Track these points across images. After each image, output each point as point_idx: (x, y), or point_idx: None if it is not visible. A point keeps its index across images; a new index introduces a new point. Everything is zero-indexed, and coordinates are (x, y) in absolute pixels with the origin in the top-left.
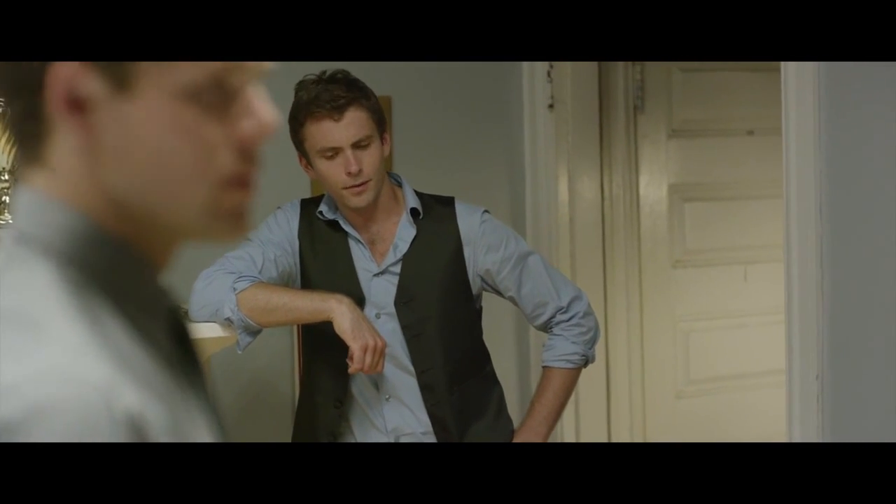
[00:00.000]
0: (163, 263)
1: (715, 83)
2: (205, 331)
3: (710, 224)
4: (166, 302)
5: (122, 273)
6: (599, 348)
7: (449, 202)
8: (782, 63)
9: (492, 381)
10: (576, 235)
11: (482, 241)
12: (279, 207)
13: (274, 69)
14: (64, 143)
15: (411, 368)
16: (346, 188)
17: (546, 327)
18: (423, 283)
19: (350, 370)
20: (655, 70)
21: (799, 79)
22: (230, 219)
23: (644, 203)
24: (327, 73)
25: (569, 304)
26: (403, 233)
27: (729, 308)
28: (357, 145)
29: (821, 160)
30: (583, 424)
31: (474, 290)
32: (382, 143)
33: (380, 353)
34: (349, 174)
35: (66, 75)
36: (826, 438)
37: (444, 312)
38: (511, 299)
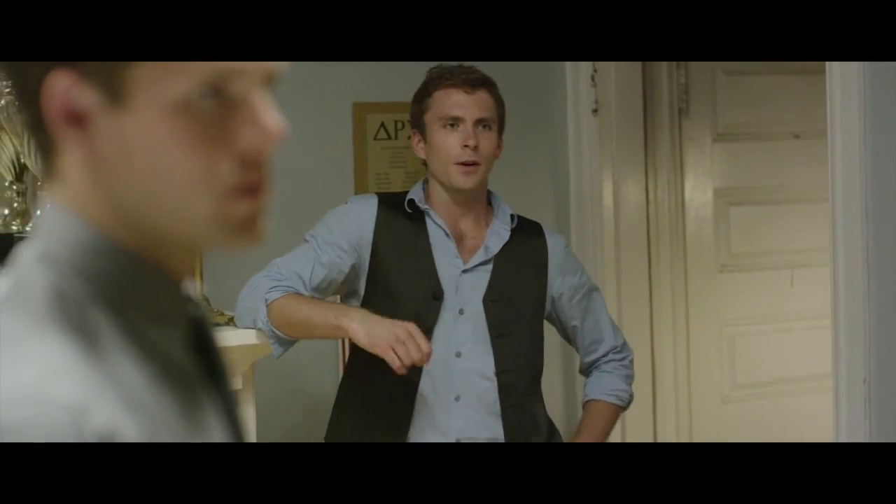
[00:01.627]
0: (181, 273)
1: (759, 86)
2: (247, 337)
3: (756, 228)
4: (186, 312)
5: (133, 285)
6: (645, 353)
7: (535, 223)
8: (827, 65)
9: (542, 401)
10: (621, 240)
11: (564, 264)
12: (349, 200)
13: (283, 74)
14: (70, 155)
15: (489, 371)
16: (458, 163)
17: (594, 364)
18: (514, 285)
19: (399, 373)
20: (699, 73)
21: (844, 81)
22: (242, 228)
23: (689, 207)
24: (457, 64)
25: (622, 346)
26: (496, 236)
27: (775, 312)
28: (480, 123)
29: (866, 163)
30: (629, 430)
31: (546, 310)
32: (499, 140)
33: (411, 337)
34: (465, 147)
35: (62, 87)
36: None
37: (530, 318)
38: (573, 329)
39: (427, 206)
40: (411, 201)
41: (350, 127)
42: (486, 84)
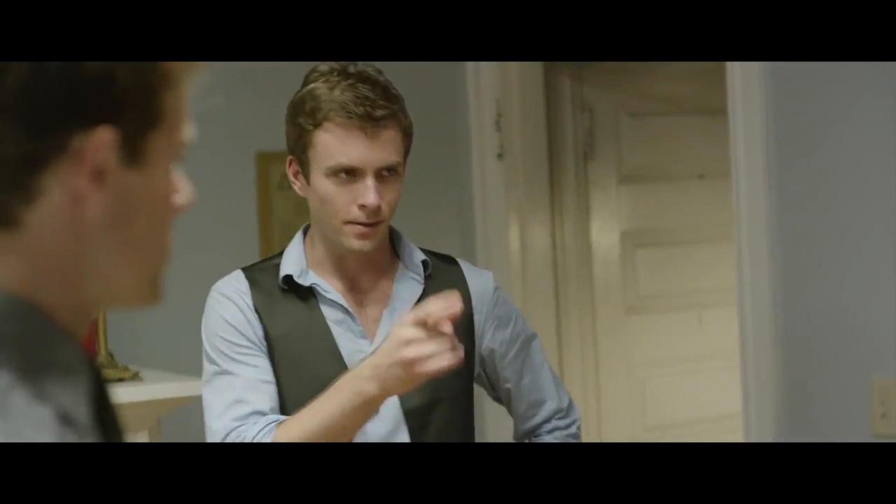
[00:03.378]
0: (82, 333)
1: (663, 128)
2: (153, 393)
3: (663, 269)
4: (86, 370)
5: (36, 344)
6: None
7: (451, 260)
8: (729, 105)
9: None
10: (528, 284)
11: (494, 313)
12: (218, 294)
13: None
14: (55, 209)
15: None
16: (351, 223)
17: (533, 432)
18: None
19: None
20: (603, 116)
21: (747, 121)
22: (153, 286)
23: (596, 250)
24: (354, 67)
25: (568, 408)
26: (405, 292)
27: (684, 353)
28: (381, 174)
29: (771, 202)
30: None
31: (475, 371)
32: (404, 170)
33: (420, 347)
34: (363, 207)
35: (105, 141)
36: None
37: (457, 393)
38: (506, 392)
39: (315, 281)
40: (288, 278)
41: (253, 176)
42: (393, 116)
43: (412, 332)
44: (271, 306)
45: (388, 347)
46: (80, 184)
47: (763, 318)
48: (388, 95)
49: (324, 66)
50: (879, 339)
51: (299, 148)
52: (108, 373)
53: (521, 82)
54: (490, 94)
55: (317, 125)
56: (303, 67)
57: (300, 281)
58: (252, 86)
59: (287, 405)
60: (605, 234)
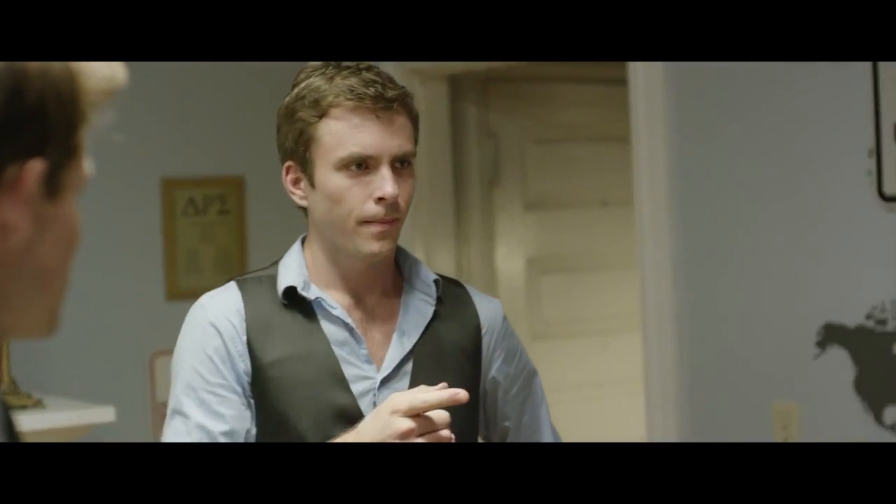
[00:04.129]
0: None
1: (568, 155)
2: (57, 420)
3: (569, 295)
4: None
5: None
6: None
7: (456, 282)
8: (633, 133)
9: None
10: None
11: (502, 344)
12: (205, 320)
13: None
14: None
15: None
16: (367, 221)
17: None
18: (443, 384)
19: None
20: (509, 143)
21: (650, 150)
22: (54, 316)
23: (501, 276)
24: (353, 64)
25: None
26: (414, 314)
27: (590, 379)
28: (397, 164)
29: (674, 230)
30: None
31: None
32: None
33: (409, 430)
34: (381, 200)
35: (33, 174)
36: None
37: (466, 429)
38: (502, 432)
39: (320, 295)
40: (290, 291)
41: (158, 202)
42: (405, 101)
43: (407, 424)
44: (268, 326)
45: (376, 429)
46: (10, 214)
47: (666, 344)
48: (394, 81)
49: (315, 63)
50: (780, 365)
51: (300, 147)
52: (11, 400)
53: (426, 109)
54: None
55: (322, 115)
56: (211, 94)
57: (304, 293)
58: (157, 113)
59: (288, 430)
60: (510, 261)
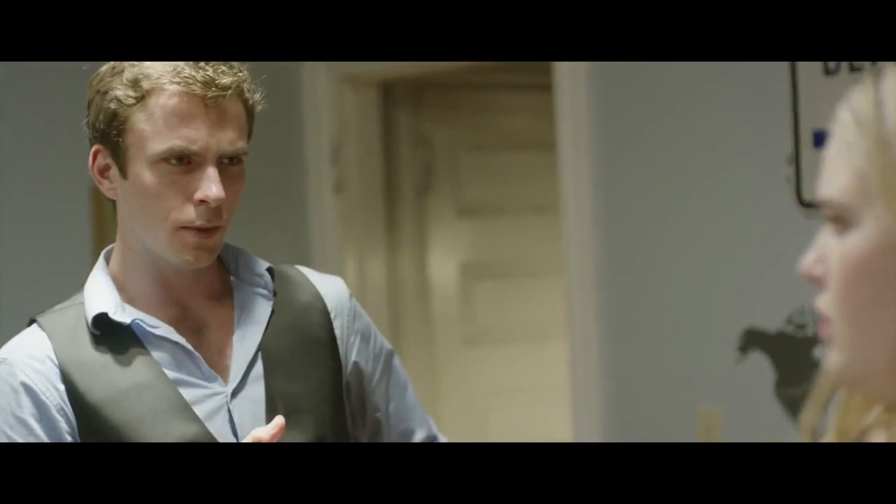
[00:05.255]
0: None
1: (501, 162)
2: None
3: (501, 301)
4: None
5: None
6: None
7: (292, 267)
8: (558, 141)
9: None
10: None
11: (354, 324)
12: (9, 384)
13: None
14: None
15: None
16: (186, 227)
17: None
18: (304, 382)
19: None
20: (442, 150)
21: (575, 155)
22: None
23: (434, 283)
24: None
25: (437, 436)
26: (251, 312)
27: (523, 384)
28: (224, 161)
29: (598, 236)
30: None
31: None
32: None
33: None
34: (202, 203)
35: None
36: None
37: (338, 426)
38: (373, 425)
39: (137, 317)
40: (100, 318)
41: (88, 210)
42: (239, 90)
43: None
44: (85, 365)
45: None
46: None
47: (590, 349)
48: (234, 66)
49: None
50: (703, 370)
51: (112, 131)
52: None
53: (358, 116)
54: (326, 128)
55: (140, 97)
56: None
57: (117, 318)
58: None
59: None
60: (442, 267)
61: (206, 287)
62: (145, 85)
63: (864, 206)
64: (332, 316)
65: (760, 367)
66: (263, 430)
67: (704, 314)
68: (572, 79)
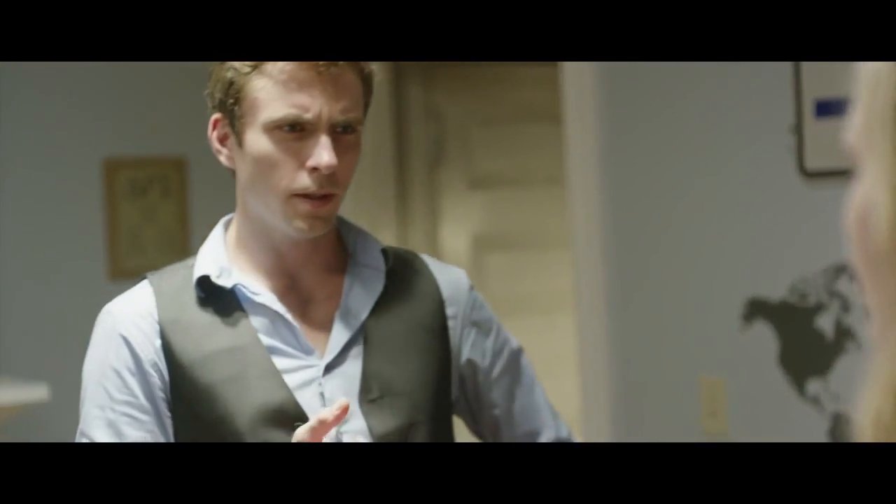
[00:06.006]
0: None
1: (513, 134)
2: None
3: (514, 274)
4: None
5: None
6: None
7: (410, 252)
8: (564, 115)
9: None
10: None
11: (471, 318)
12: (113, 330)
13: None
14: None
15: None
16: (299, 195)
17: None
18: (404, 365)
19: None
20: (454, 122)
21: (582, 129)
22: None
23: (446, 255)
24: None
25: (569, 439)
26: (361, 290)
27: (536, 356)
28: (338, 130)
29: (604, 208)
30: None
31: (453, 395)
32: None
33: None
34: (314, 171)
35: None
36: None
37: (433, 419)
38: (492, 422)
39: (240, 281)
40: (204, 280)
41: (100, 184)
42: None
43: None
44: (185, 324)
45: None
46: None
47: (597, 322)
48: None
49: None
50: (705, 341)
51: (230, 100)
52: None
53: None
54: None
55: (256, 66)
56: (152, 74)
57: (219, 282)
58: (97, 90)
59: (223, 433)
60: (454, 240)
61: (321, 259)
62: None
63: (868, 152)
64: (446, 305)
65: (764, 336)
66: (328, 411)
67: (708, 285)
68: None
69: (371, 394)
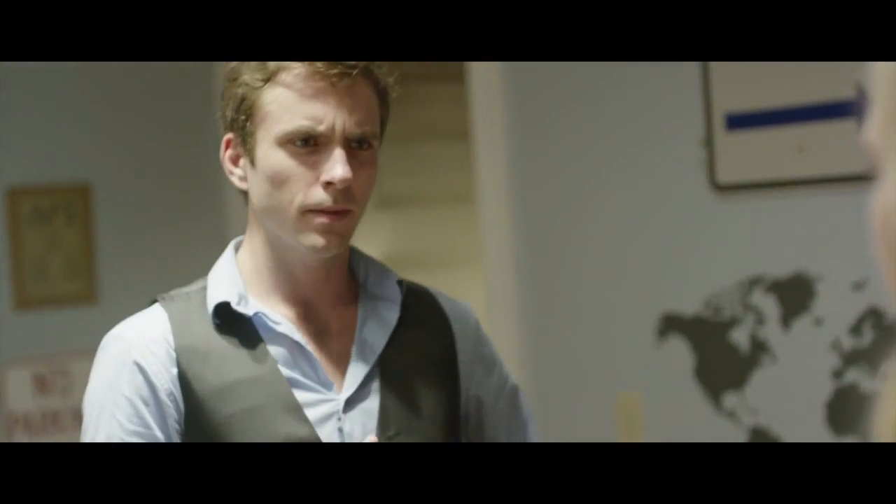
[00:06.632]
0: None
1: (422, 153)
2: None
3: None
4: None
5: None
6: None
7: (420, 285)
8: (473, 131)
9: None
10: None
11: (478, 352)
12: (128, 357)
13: None
14: None
15: None
16: (312, 211)
17: None
18: (419, 401)
19: None
20: None
21: (491, 144)
22: None
23: None
24: None
25: None
26: (376, 323)
27: None
28: (352, 144)
29: (515, 226)
30: None
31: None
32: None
33: None
34: (329, 185)
35: None
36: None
37: None
38: None
39: (260, 310)
40: (222, 307)
41: (2, 212)
42: (368, 71)
43: None
44: (202, 352)
45: None
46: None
47: (511, 340)
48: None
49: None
50: (621, 357)
51: (241, 116)
52: None
53: None
54: None
55: (268, 79)
56: (56, 97)
57: (240, 310)
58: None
59: None
60: None
61: (333, 289)
62: (272, 66)
63: (887, 152)
64: (455, 340)
65: (679, 351)
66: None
67: (623, 301)
68: (485, 68)
69: (389, 430)
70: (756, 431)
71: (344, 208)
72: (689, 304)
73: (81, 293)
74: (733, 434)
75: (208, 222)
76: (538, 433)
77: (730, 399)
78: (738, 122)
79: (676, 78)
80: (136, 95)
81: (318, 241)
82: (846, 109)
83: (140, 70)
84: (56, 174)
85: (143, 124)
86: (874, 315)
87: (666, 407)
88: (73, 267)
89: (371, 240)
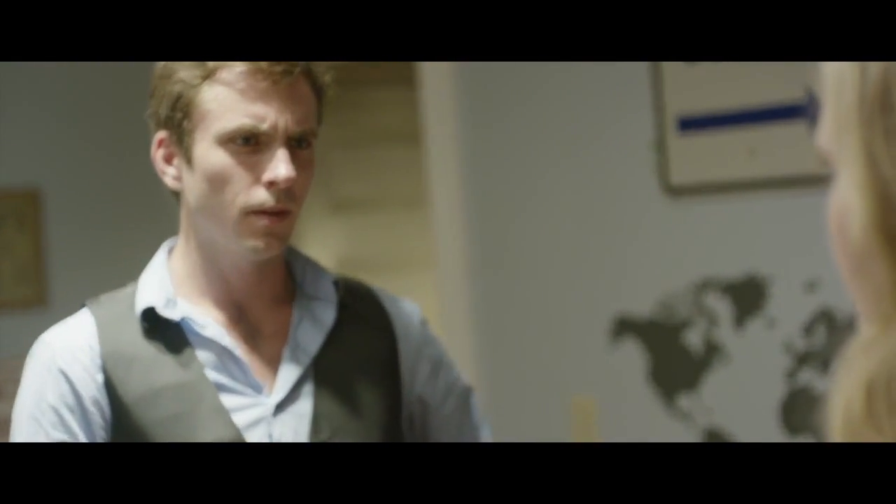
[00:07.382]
0: None
1: (373, 158)
2: None
3: None
4: None
5: None
6: None
7: (362, 284)
8: (424, 135)
9: None
10: None
11: (424, 353)
12: (51, 363)
13: None
14: None
15: None
16: (255, 212)
17: None
18: (355, 403)
19: None
20: (315, 147)
21: (442, 148)
22: None
23: None
24: None
25: None
26: (311, 324)
27: None
28: (293, 143)
29: (469, 230)
30: None
31: (403, 429)
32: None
33: None
34: (271, 185)
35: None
36: None
37: None
38: None
39: (187, 314)
40: (149, 312)
41: None
42: (308, 70)
43: None
44: (129, 358)
45: None
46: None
47: (464, 343)
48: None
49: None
50: (574, 360)
51: (178, 114)
52: None
53: None
54: None
55: (207, 76)
56: (6, 100)
57: (166, 314)
58: None
59: None
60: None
61: (269, 291)
62: (211, 63)
63: (838, 155)
64: (397, 339)
65: (633, 353)
66: None
67: (576, 303)
68: (436, 71)
69: (321, 434)
70: (710, 432)
71: (285, 208)
72: (642, 307)
73: (32, 298)
74: (688, 435)
75: (159, 227)
76: (493, 438)
77: (684, 400)
78: (690, 124)
79: (629, 80)
80: (87, 101)
81: (258, 243)
82: (797, 112)
83: (90, 75)
84: (6, 180)
85: (93, 130)
86: (826, 316)
87: (621, 409)
88: (24, 272)
89: (323, 244)
